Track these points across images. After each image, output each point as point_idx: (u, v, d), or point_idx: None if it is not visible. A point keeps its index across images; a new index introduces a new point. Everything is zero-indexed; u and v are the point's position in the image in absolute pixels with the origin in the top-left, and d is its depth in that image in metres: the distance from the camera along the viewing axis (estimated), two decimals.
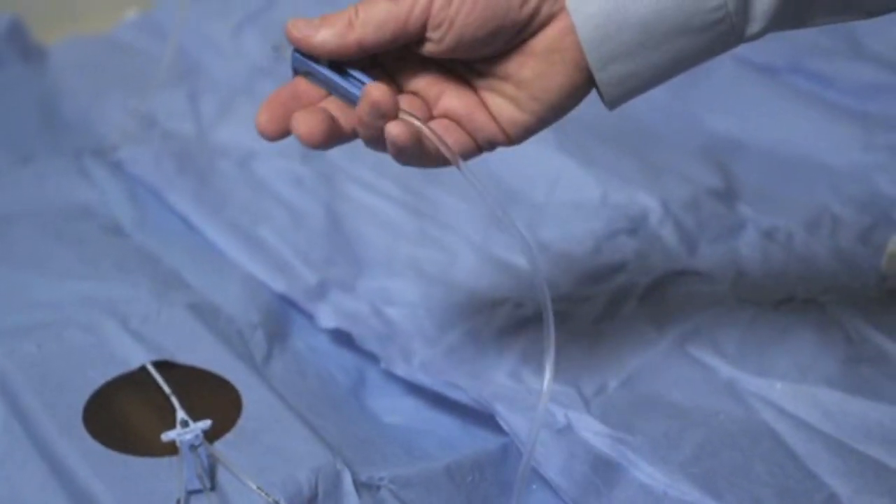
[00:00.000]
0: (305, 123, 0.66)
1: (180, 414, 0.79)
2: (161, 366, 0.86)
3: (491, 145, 0.70)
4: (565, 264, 1.02)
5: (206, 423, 0.77)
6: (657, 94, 0.74)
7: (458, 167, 0.67)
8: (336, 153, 1.06)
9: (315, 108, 0.68)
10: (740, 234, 1.06)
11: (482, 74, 0.69)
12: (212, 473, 0.76)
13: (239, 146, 1.18)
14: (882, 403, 0.84)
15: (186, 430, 0.76)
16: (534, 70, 0.67)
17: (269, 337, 0.93)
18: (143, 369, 0.85)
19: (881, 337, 0.91)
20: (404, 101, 0.69)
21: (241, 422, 0.81)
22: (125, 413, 0.82)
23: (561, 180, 1.12)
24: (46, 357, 0.86)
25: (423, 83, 0.70)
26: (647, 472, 0.79)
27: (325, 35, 0.66)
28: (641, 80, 0.67)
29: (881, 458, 0.80)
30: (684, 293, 0.98)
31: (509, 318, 0.94)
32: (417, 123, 0.66)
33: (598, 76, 0.67)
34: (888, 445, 0.81)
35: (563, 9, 0.66)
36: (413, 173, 1.11)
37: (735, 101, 1.27)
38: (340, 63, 0.68)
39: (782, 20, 0.66)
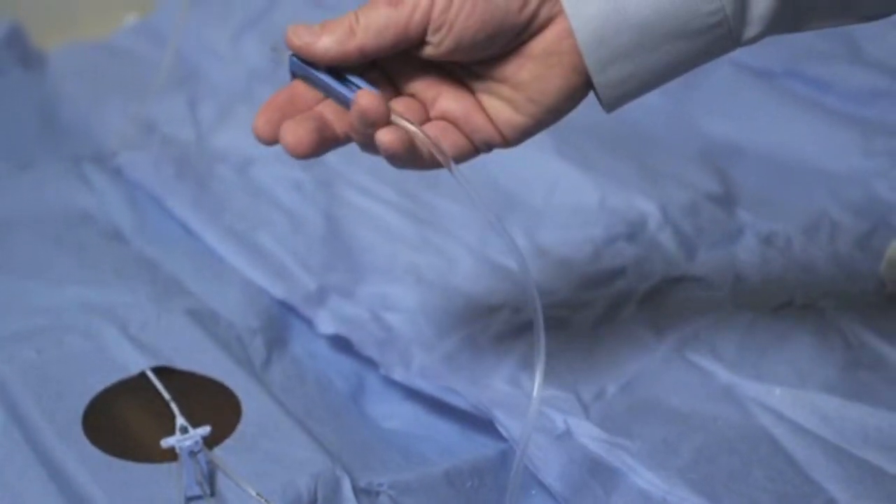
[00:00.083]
0: (293, 133, 0.66)
1: (180, 420, 0.79)
2: (160, 372, 0.86)
3: (487, 147, 0.70)
4: (564, 270, 1.02)
5: (205, 430, 0.77)
6: (655, 98, 0.74)
7: (451, 171, 0.67)
8: (335, 159, 1.06)
9: (304, 116, 0.67)
10: (739, 240, 1.06)
11: (480, 77, 0.69)
12: (211, 480, 0.76)
13: (238, 152, 1.18)
14: (881, 409, 0.84)
15: (186, 437, 0.76)
16: (531, 72, 0.67)
17: (269, 343, 0.93)
18: (142, 375, 0.86)
19: (880, 342, 0.91)
20: (401, 104, 0.69)
21: (240, 428, 0.81)
22: (125, 419, 0.82)
23: (559, 185, 1.12)
24: (46, 363, 0.86)
25: (421, 85, 0.70)
26: (645, 478, 0.79)
27: (327, 42, 0.66)
28: (639, 82, 0.68)
29: (880, 463, 0.80)
30: (683, 298, 0.98)
31: (507, 324, 0.94)
32: (412, 128, 0.66)
33: (596, 79, 0.67)
34: (887, 451, 0.81)
35: (561, 11, 0.66)
36: (412, 179, 1.12)
37: (733, 106, 1.27)
38: (339, 67, 0.68)
39: (780, 24, 0.66)
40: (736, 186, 1.15)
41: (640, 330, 0.94)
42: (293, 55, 0.68)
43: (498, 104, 0.69)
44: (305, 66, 0.68)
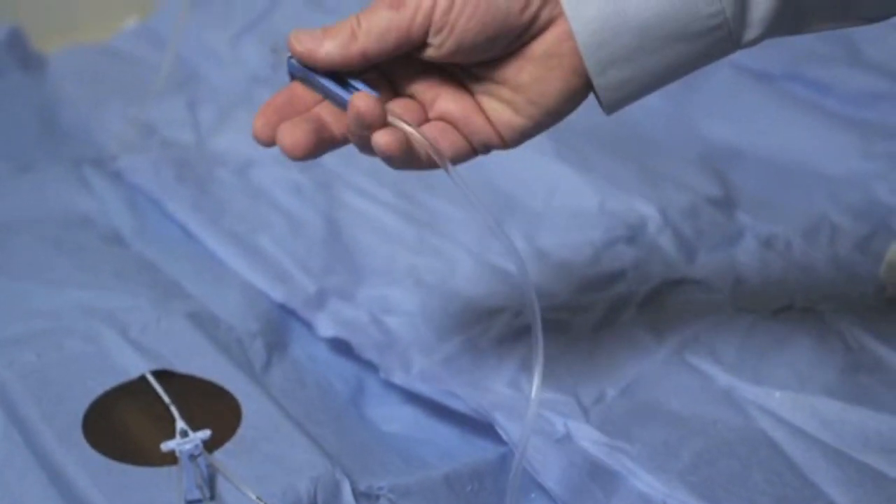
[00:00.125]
0: (290, 135, 0.66)
1: (180, 423, 0.79)
2: (160, 375, 0.86)
3: (486, 148, 0.70)
4: (563, 272, 1.02)
5: (205, 433, 0.77)
6: (655, 100, 0.74)
7: (448, 172, 0.67)
8: (334, 161, 1.06)
9: (302, 118, 0.67)
10: (739, 242, 1.06)
11: (479, 78, 0.69)
12: (211, 483, 0.76)
13: (238, 154, 1.18)
14: (881, 412, 0.84)
15: (186, 440, 0.76)
16: (531, 74, 0.67)
17: (269, 346, 0.93)
18: (142, 378, 0.85)
19: (879, 345, 0.91)
20: (400, 105, 0.69)
21: (240, 431, 0.81)
22: (124, 422, 0.82)
23: (559, 188, 1.12)
24: (46, 366, 0.86)
25: (420, 86, 0.70)
26: (645, 481, 0.79)
27: (329, 48, 0.66)
28: (639, 84, 0.67)
29: (880, 467, 0.80)
30: (683, 301, 0.98)
31: (508, 327, 0.94)
32: (409, 129, 0.66)
33: (596, 81, 0.67)
34: (887, 454, 0.81)
35: (561, 14, 0.66)
36: (411, 181, 1.12)
37: (733, 109, 1.27)
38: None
39: (780, 26, 0.66)
40: (736, 189, 1.15)
41: (640, 333, 0.94)
42: (291, 57, 0.68)
43: (497, 106, 0.69)
44: (304, 68, 0.68)
